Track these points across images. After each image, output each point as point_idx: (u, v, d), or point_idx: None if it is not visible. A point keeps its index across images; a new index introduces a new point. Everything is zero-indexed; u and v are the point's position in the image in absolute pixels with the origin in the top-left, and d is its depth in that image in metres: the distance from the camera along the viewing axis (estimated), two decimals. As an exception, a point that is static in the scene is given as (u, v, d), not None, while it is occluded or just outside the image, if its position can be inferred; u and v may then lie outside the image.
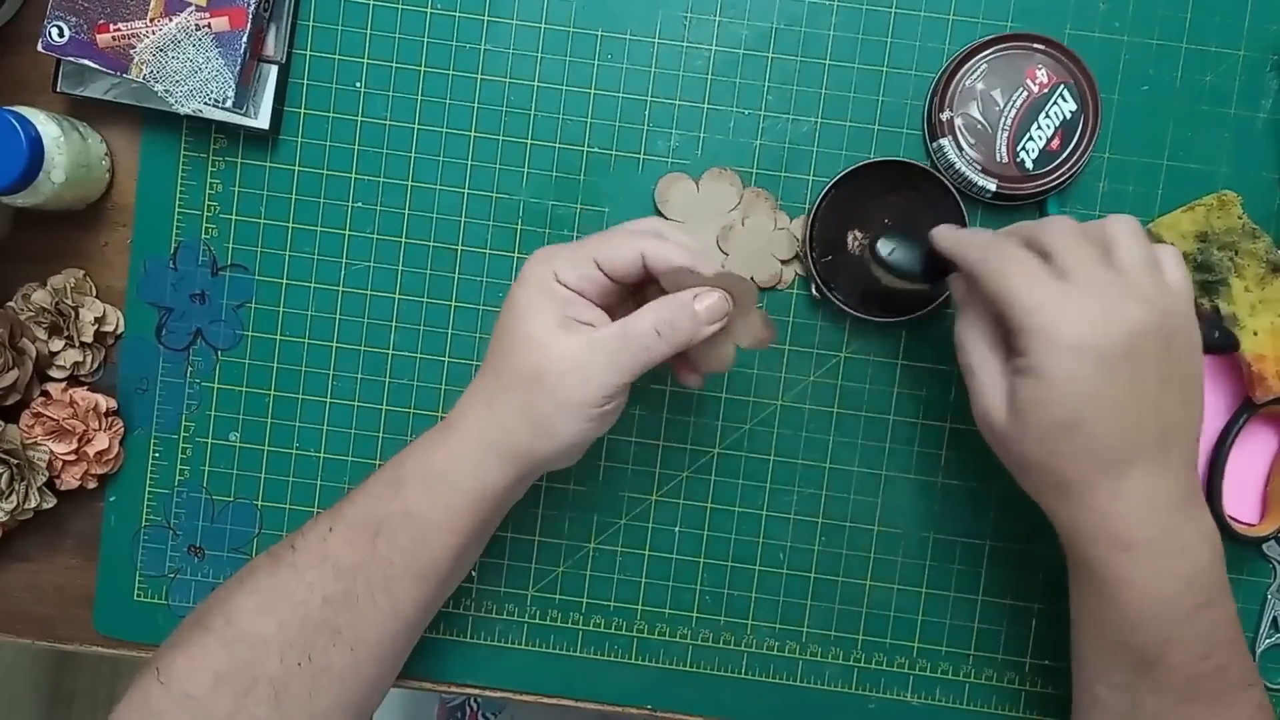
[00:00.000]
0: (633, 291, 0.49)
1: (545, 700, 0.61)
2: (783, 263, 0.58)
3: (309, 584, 0.47)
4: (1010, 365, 0.44)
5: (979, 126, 0.56)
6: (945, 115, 0.56)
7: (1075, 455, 0.43)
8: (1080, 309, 0.42)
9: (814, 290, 0.57)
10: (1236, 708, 0.47)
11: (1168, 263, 0.45)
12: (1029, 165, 0.56)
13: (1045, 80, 0.56)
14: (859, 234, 0.56)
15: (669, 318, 0.46)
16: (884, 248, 0.52)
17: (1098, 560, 0.45)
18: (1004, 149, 0.56)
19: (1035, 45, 0.56)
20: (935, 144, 0.56)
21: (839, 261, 0.57)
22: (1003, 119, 0.56)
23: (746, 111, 0.58)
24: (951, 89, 0.56)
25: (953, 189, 0.56)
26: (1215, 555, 0.46)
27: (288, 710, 0.46)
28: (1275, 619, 0.59)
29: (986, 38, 0.56)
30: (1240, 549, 0.59)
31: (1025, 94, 0.56)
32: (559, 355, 0.45)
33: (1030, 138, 0.56)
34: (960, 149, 0.56)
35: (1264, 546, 0.58)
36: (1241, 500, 0.58)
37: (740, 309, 0.47)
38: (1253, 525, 0.58)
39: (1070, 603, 0.49)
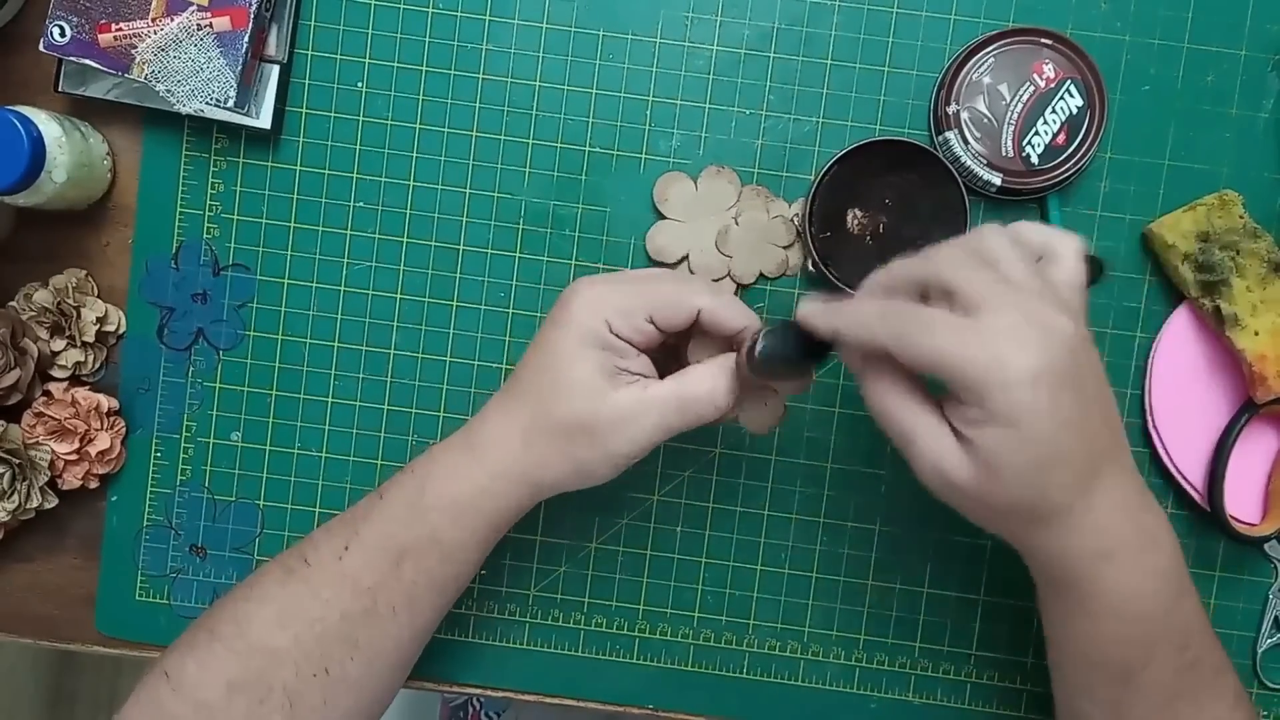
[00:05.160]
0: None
1: (548, 700, 0.61)
2: (784, 248, 0.58)
3: (325, 600, 0.47)
4: (960, 419, 0.41)
5: (985, 120, 0.56)
6: (952, 109, 0.56)
7: (1053, 485, 0.41)
8: (1015, 338, 0.39)
9: (810, 266, 0.57)
10: (1219, 699, 0.47)
11: (1064, 260, 0.44)
12: (1034, 160, 0.56)
13: (1052, 75, 0.56)
14: (859, 213, 0.56)
15: (724, 386, 0.46)
16: (759, 345, 0.45)
17: (1080, 576, 0.44)
18: (1010, 143, 0.56)
19: (1043, 40, 0.56)
20: (941, 137, 0.56)
21: (838, 238, 0.57)
22: (1009, 113, 0.56)
23: (748, 111, 0.58)
24: (958, 82, 0.56)
25: (955, 173, 0.56)
26: (1176, 542, 0.45)
27: (302, 718, 0.46)
28: (1276, 619, 0.59)
29: (994, 31, 0.56)
30: (1241, 549, 0.59)
31: (1032, 88, 0.56)
32: (610, 410, 0.45)
33: (1036, 132, 0.56)
34: (966, 143, 0.56)
35: (1265, 546, 0.58)
36: (1242, 500, 0.58)
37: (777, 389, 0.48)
38: (1254, 525, 0.58)
39: (1045, 624, 0.48)
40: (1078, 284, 0.44)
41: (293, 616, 0.47)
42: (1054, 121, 0.56)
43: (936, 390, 0.42)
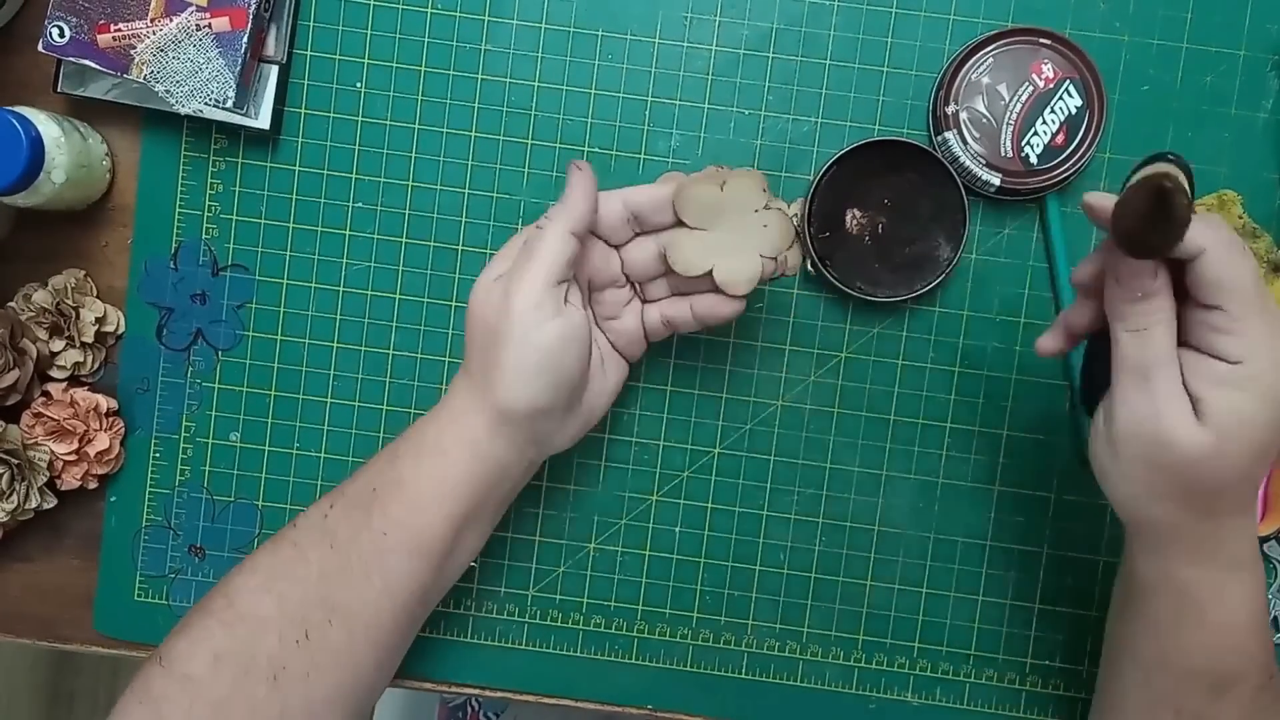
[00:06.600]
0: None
1: (546, 700, 0.61)
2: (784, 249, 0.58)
3: (309, 560, 0.47)
4: (1205, 377, 0.40)
5: (984, 121, 0.56)
6: (950, 109, 0.56)
7: (1255, 477, 0.42)
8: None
9: (809, 266, 0.57)
10: None
11: None
12: (1033, 160, 0.56)
13: (1051, 75, 0.55)
14: (858, 213, 0.56)
15: (559, 205, 0.48)
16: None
17: (1201, 583, 0.44)
18: (1009, 144, 0.56)
19: (1041, 40, 0.56)
20: (940, 137, 0.56)
21: (837, 238, 0.57)
22: (1008, 113, 0.56)
23: (747, 111, 0.58)
24: (957, 83, 0.56)
25: (955, 174, 0.56)
26: None
27: (286, 691, 0.46)
28: (1276, 619, 0.59)
29: (993, 31, 0.56)
30: (1241, 549, 0.59)
31: (1031, 89, 0.56)
32: (498, 296, 0.47)
33: (1035, 133, 0.56)
34: (965, 143, 0.56)
35: (1264, 547, 0.58)
36: (1242, 500, 0.58)
37: (742, 203, 0.49)
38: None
39: (1139, 634, 0.47)
40: None
41: (278, 578, 0.47)
42: (1053, 122, 0.56)
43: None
